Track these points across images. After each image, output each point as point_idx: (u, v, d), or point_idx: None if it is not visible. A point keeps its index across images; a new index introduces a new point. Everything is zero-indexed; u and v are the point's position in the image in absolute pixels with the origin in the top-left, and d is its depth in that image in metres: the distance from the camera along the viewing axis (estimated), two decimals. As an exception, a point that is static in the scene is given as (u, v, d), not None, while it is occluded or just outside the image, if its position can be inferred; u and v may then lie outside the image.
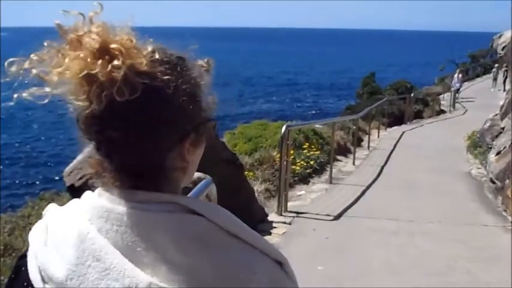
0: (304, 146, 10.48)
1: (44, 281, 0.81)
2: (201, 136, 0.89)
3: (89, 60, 0.77)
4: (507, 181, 6.89)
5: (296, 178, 8.94)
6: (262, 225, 5.92)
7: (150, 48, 0.82)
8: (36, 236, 0.86)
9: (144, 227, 0.79)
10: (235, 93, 47.45)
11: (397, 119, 18.33)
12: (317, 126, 11.42)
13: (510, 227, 5.95)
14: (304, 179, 9.19)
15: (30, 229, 0.89)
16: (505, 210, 6.64)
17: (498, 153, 8.10)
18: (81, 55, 0.78)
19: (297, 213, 6.45)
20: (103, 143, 0.82)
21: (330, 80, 57.20)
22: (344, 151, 12.24)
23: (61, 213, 0.87)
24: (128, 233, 0.78)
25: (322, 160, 10.09)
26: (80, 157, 5.09)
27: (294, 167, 9.13)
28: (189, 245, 0.78)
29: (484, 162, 9.83)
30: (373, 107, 14.65)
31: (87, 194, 0.87)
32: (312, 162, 9.74)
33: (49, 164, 21.95)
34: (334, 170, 9.81)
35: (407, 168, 10.05)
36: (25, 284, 0.83)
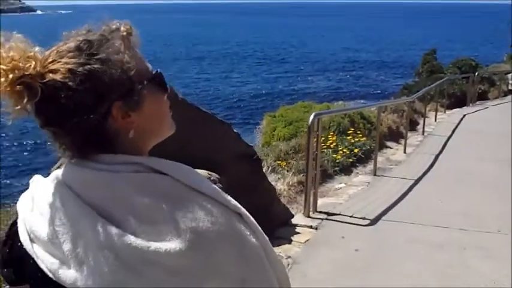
0: (349, 132, 9.50)
1: (32, 241, 0.93)
2: (137, 97, 0.95)
3: None
4: None
5: (337, 168, 8.00)
6: (282, 230, 5.08)
7: (37, 49, 0.94)
8: (24, 204, 0.99)
9: (116, 187, 0.90)
10: (292, 69, 46.36)
11: (458, 101, 16.72)
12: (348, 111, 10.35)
13: None
14: (347, 169, 8.24)
15: None
16: None
17: None
18: None
19: (328, 214, 5.56)
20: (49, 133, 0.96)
21: (392, 57, 54.57)
22: (396, 136, 11.13)
23: (44, 182, 0.99)
24: (102, 194, 0.90)
25: (368, 147, 9.07)
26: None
27: (335, 155, 8.21)
28: (156, 202, 0.89)
29: (557, 153, 8.50)
30: (431, 87, 13.29)
31: (65, 164, 0.98)
32: (356, 150, 8.75)
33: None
34: (381, 159, 8.84)
35: (465, 158, 8.83)
36: (19, 244, 0.95)
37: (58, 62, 0.91)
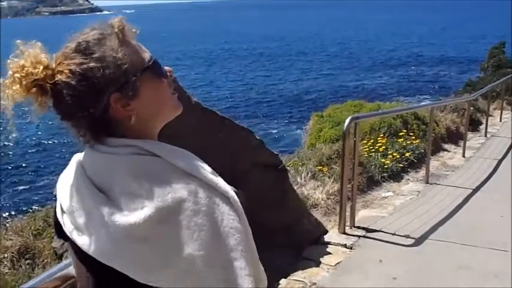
0: (401, 134, 8.74)
1: (62, 211, 1.11)
2: (132, 87, 1.05)
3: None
4: None
5: (385, 174, 7.30)
6: (312, 249, 4.51)
7: (43, 55, 1.05)
8: (61, 180, 1.15)
9: (114, 169, 1.02)
10: (353, 65, 45.19)
11: (528, 98, 15.46)
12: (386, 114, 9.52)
13: None
14: (396, 175, 7.51)
15: None
16: None
17: None
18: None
19: (367, 230, 4.92)
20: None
21: (458, 52, 52.01)
22: (455, 138, 10.22)
23: (75, 161, 1.13)
24: (104, 175, 1.03)
25: (422, 151, 8.28)
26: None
27: (383, 160, 7.52)
28: (146, 180, 0.99)
29: None
30: (496, 83, 12.27)
31: (86, 147, 1.11)
32: (407, 154, 7.99)
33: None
34: (437, 163, 8.09)
35: (533, 164, 7.91)
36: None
37: (63, 63, 1.04)
